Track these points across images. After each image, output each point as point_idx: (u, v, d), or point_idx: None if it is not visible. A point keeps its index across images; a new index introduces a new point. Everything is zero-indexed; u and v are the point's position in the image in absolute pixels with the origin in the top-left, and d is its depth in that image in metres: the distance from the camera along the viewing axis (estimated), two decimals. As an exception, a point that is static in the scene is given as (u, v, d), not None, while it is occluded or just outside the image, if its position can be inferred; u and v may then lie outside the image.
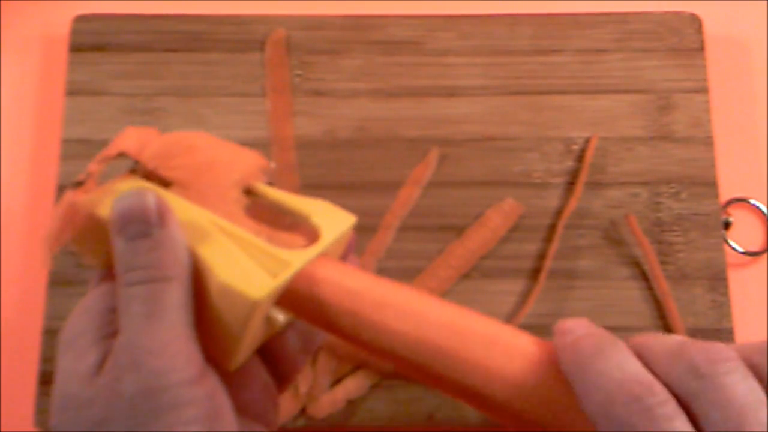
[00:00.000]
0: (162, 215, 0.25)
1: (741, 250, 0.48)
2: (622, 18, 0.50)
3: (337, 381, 0.44)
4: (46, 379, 0.44)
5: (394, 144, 0.48)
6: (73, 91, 0.49)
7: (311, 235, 0.28)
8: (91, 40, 0.50)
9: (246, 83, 0.49)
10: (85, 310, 0.26)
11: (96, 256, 0.27)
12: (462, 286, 0.46)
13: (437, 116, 0.49)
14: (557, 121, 0.49)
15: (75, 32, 0.50)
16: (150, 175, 0.28)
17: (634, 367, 0.22)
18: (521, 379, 0.24)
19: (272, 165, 0.32)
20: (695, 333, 0.45)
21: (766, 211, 0.49)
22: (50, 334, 0.45)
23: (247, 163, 0.29)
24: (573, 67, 0.49)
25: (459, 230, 0.47)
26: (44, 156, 0.50)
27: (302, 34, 0.50)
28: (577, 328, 0.23)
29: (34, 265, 0.48)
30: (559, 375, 0.23)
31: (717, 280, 0.46)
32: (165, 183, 0.28)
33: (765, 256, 0.48)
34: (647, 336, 0.23)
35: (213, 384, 0.24)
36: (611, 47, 0.50)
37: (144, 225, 0.25)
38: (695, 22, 0.50)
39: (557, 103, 0.49)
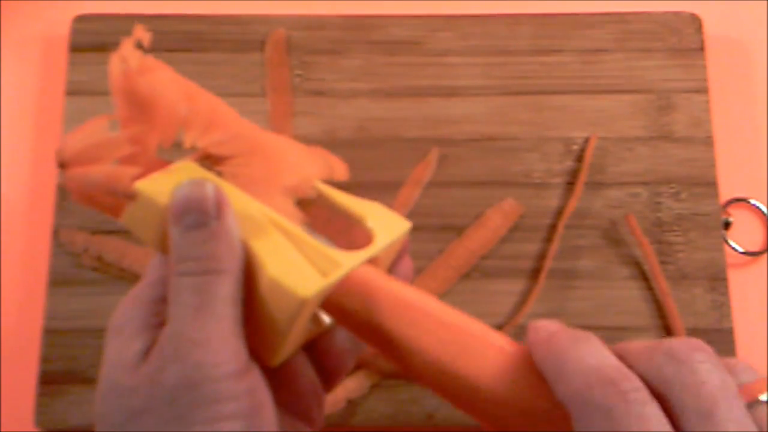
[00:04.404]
0: (220, 207, 0.25)
1: (741, 250, 0.48)
2: (622, 18, 0.50)
3: (337, 381, 0.44)
4: (46, 379, 0.44)
5: (394, 144, 0.48)
6: (73, 91, 0.49)
7: (365, 237, 0.28)
8: (91, 40, 0.50)
9: (246, 83, 0.49)
10: (134, 299, 0.26)
11: (153, 242, 0.26)
12: (462, 286, 0.46)
13: (437, 116, 0.49)
14: (557, 121, 0.49)
15: (75, 32, 0.50)
16: (207, 162, 0.28)
17: (609, 356, 0.22)
18: (502, 377, 0.24)
19: (345, 169, 0.32)
20: (695, 333, 0.45)
21: (766, 211, 0.49)
22: (50, 334, 0.45)
23: (310, 168, 0.29)
24: (573, 67, 0.49)
25: (459, 230, 0.47)
26: (44, 156, 0.50)
27: (302, 34, 0.50)
28: (550, 326, 0.24)
29: (34, 265, 0.48)
30: (534, 376, 0.24)
31: (717, 280, 0.46)
32: (221, 172, 0.28)
33: (765, 256, 0.48)
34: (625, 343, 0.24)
35: (255, 380, 0.24)
36: (611, 47, 0.50)
37: (201, 215, 0.24)
38: (695, 22, 0.50)
39: (557, 103, 0.49)
